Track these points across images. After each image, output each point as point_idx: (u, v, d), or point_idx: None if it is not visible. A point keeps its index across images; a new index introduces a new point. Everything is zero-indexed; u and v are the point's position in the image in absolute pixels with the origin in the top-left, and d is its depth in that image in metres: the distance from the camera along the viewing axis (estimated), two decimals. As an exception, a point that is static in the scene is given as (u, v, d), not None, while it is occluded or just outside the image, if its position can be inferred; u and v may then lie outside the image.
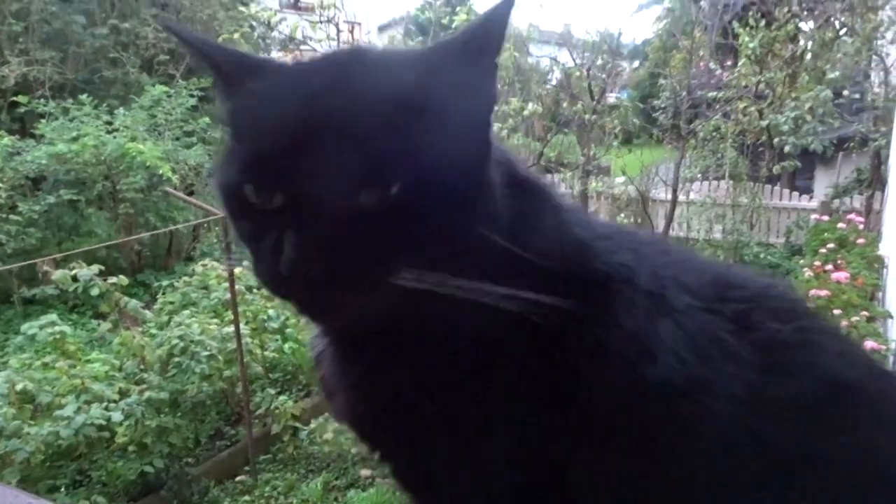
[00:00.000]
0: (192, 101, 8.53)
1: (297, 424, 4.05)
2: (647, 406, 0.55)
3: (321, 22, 2.95)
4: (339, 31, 3.00)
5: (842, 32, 8.10)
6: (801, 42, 8.63)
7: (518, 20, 6.29)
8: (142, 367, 4.11)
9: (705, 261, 0.68)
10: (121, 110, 7.77)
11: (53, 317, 4.14)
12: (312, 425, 3.97)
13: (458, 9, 4.89)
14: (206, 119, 8.47)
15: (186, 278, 5.26)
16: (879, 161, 7.06)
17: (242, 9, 8.76)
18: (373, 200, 0.52)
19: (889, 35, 7.01)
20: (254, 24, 10.11)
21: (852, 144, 7.34)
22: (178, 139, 8.10)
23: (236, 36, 5.43)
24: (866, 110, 7.75)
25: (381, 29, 16.21)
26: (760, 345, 0.58)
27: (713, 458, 0.55)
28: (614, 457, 0.56)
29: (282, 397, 4.27)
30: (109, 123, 7.50)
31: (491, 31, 0.59)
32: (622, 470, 0.56)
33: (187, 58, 10.23)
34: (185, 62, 10.11)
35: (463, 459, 0.59)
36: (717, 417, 0.55)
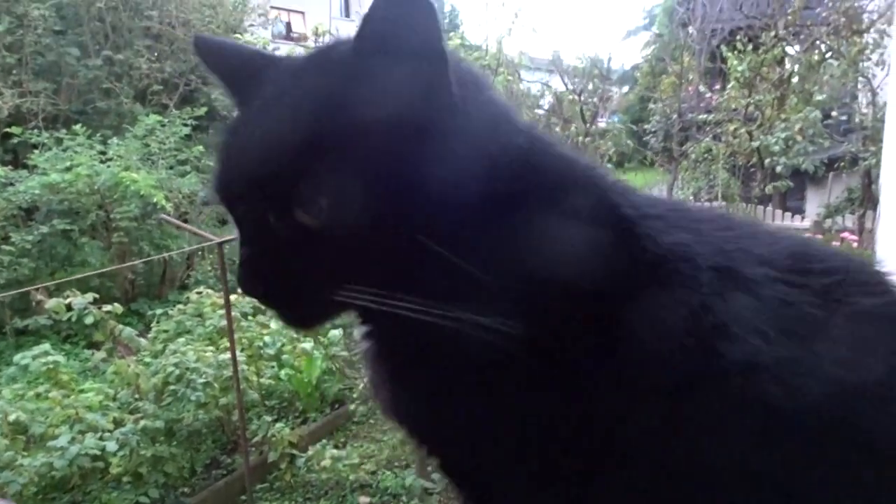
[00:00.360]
0: (186, 130, 8.57)
1: (295, 452, 4.00)
2: (723, 387, 0.50)
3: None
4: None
5: (828, 55, 8.22)
6: (788, 65, 8.77)
7: (509, 48, 6.37)
8: (136, 395, 4.06)
9: (777, 233, 0.62)
10: (114, 140, 7.79)
11: (47, 346, 4.10)
12: (310, 452, 3.93)
13: (450, 34, 4.97)
14: (200, 147, 8.50)
15: (181, 306, 5.23)
16: (870, 180, 7.12)
17: (238, 36, 8.85)
18: (307, 219, 0.54)
19: (875, 57, 7.13)
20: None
21: (843, 164, 7.41)
22: (171, 168, 8.12)
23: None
24: (855, 130, 7.84)
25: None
26: (853, 320, 0.53)
27: (801, 444, 0.50)
28: (684, 441, 0.51)
29: (278, 424, 4.23)
30: (103, 153, 7.51)
31: (407, 21, 0.53)
32: (695, 454, 0.51)
33: (180, 87, 10.33)
34: (178, 92, 10.18)
35: (502, 453, 0.57)
36: (807, 400, 0.49)
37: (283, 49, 4.89)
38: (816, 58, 8.34)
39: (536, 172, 0.59)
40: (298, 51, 3.12)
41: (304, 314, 0.62)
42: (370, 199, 0.53)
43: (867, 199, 7.20)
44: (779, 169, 6.98)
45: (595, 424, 0.53)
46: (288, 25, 19.54)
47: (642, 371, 0.52)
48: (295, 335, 5.27)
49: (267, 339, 4.91)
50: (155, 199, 6.91)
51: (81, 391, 4.02)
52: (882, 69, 6.92)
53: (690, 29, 9.61)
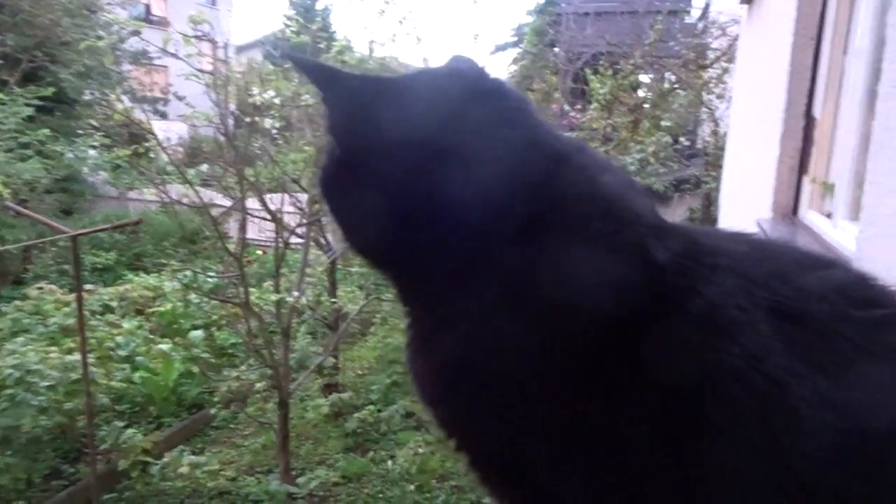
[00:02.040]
0: (29, 111, 7.85)
1: (148, 459, 3.76)
2: (789, 421, 0.50)
3: (196, 37, 2.83)
4: (215, 47, 2.92)
5: (676, 86, 8.94)
6: (642, 92, 9.45)
7: (381, 52, 6.31)
8: (-37, 400, 3.65)
9: (818, 260, 0.62)
10: (-59, 116, 7.00)
11: None
12: (165, 459, 3.71)
13: (333, 43, 4.88)
14: (46, 131, 7.81)
15: (18, 302, 4.79)
16: (709, 202, 7.81)
17: (104, 14, 8.23)
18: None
19: (717, 90, 7.84)
20: (102, 33, 9.51)
21: (688, 186, 8.07)
22: (10, 151, 7.39)
23: (101, 43, 5.10)
24: (699, 156, 8.56)
25: (240, 50, 15.82)
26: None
27: (866, 480, 0.49)
28: (739, 468, 0.51)
29: (130, 430, 3.96)
30: (-74, 130, 6.73)
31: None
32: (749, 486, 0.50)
33: (23, 63, 9.42)
34: (20, 68, 9.30)
35: (529, 449, 0.57)
36: (871, 438, 0.49)
37: (150, 34, 4.62)
38: (667, 87, 9.07)
39: (568, 209, 0.59)
40: (177, 38, 2.96)
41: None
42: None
43: (706, 219, 7.88)
44: (633, 187, 7.49)
45: (645, 448, 0.52)
46: (147, 7, 18.49)
47: (700, 412, 0.52)
48: (150, 336, 4.99)
49: (119, 339, 4.61)
50: (-10, 184, 6.27)
51: None
52: (723, 102, 7.62)
53: (557, 49, 10.09)
